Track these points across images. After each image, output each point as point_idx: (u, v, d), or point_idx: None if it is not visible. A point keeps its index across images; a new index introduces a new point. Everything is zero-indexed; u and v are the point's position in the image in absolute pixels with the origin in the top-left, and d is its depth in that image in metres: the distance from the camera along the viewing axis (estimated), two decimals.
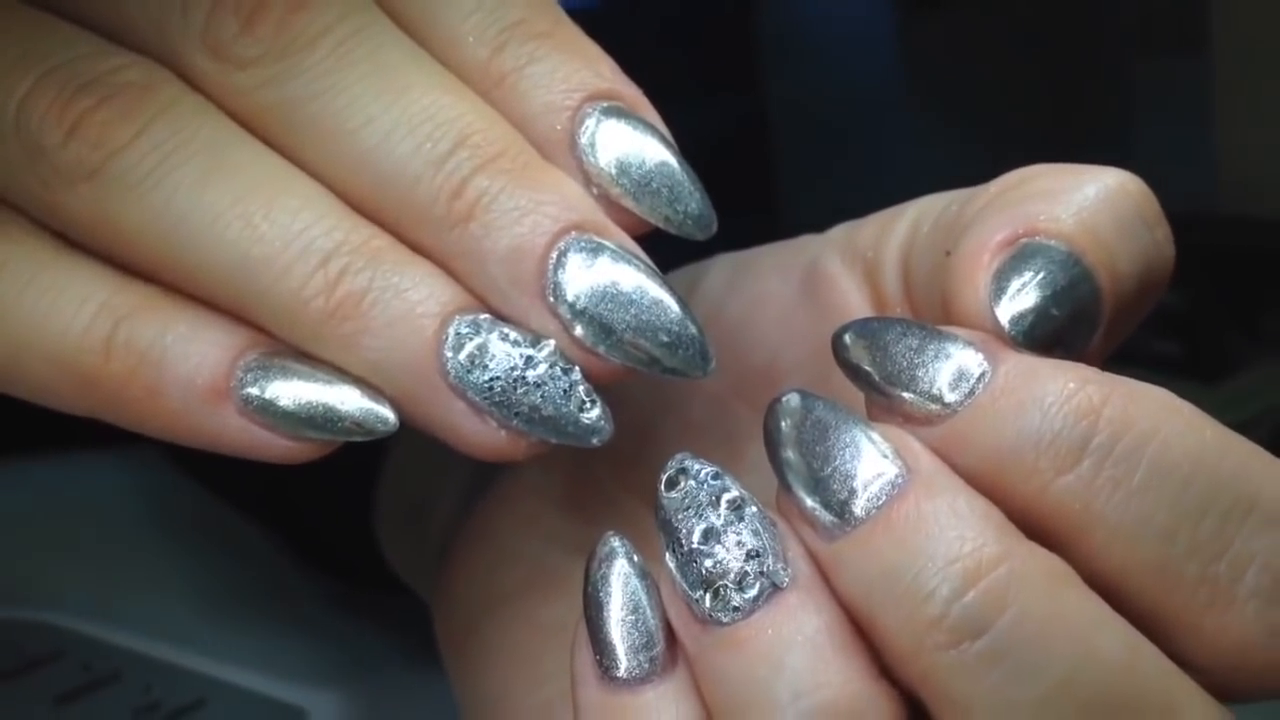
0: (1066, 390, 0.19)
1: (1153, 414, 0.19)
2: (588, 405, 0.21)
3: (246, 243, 0.20)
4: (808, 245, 0.26)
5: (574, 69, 0.21)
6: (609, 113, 0.21)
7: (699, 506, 0.20)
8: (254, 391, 0.20)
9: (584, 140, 0.21)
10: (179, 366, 0.20)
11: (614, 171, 0.21)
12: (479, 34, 0.21)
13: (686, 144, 0.22)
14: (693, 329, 0.21)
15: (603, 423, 0.21)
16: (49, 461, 0.42)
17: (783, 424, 0.20)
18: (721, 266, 0.28)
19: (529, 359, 0.20)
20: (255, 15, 0.20)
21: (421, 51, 0.21)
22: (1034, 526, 0.19)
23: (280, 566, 0.41)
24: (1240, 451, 0.19)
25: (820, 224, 0.26)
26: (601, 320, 0.20)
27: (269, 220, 0.20)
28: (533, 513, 0.28)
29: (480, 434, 0.21)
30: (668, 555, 0.20)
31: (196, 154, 0.20)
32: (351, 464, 0.37)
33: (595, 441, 0.21)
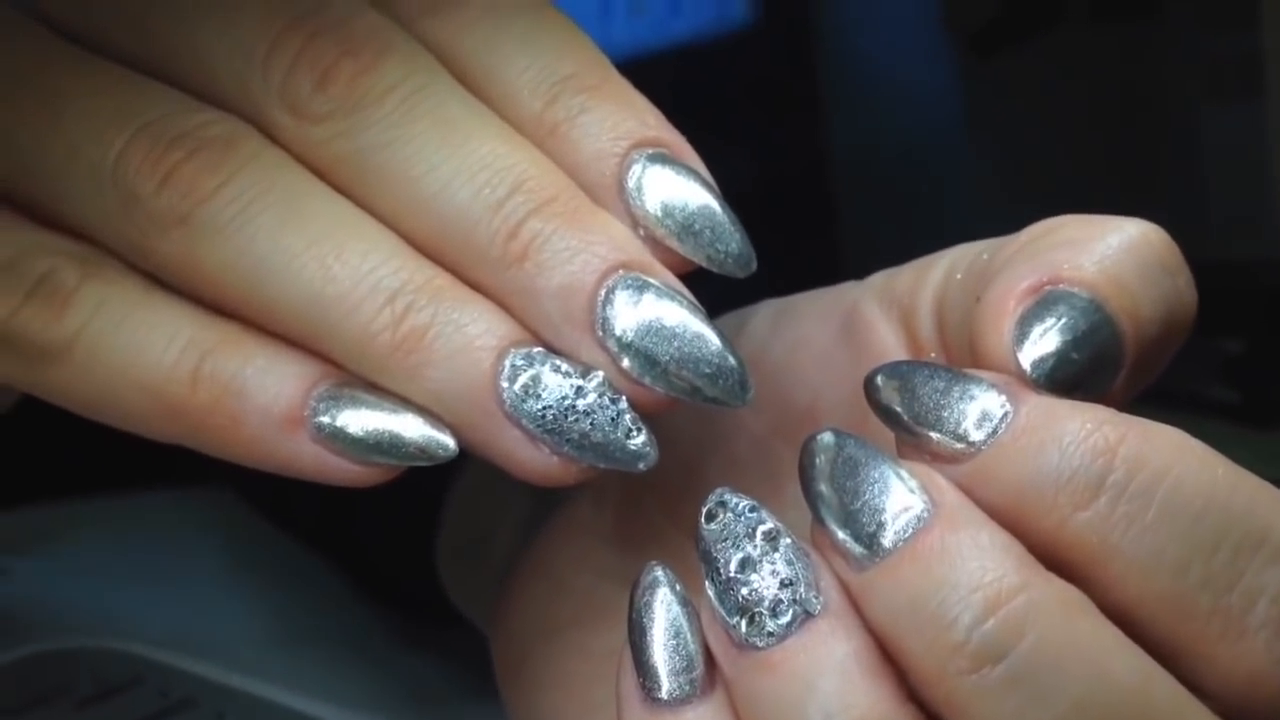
0: (1084, 430, 0.20)
1: (1166, 452, 0.20)
2: (634, 433, 0.22)
3: (320, 282, 0.21)
4: (848, 291, 0.27)
5: (621, 119, 0.23)
6: (654, 159, 0.23)
7: (736, 538, 0.21)
8: (326, 420, 0.21)
9: (631, 185, 0.22)
10: (258, 397, 0.21)
11: (659, 214, 0.22)
12: (533, 88, 0.22)
13: (749, 190, 0.23)
14: (732, 361, 0.22)
15: (648, 449, 0.22)
16: (131, 500, 0.43)
17: (816, 460, 0.21)
18: (766, 311, 0.29)
19: (579, 389, 0.22)
20: (328, 75, 0.21)
21: (480, 105, 0.22)
22: (1054, 559, 0.20)
23: (346, 601, 0.42)
24: (1251, 488, 0.20)
25: (881, 268, 0.27)
26: (647, 353, 0.22)
27: (340, 261, 0.21)
28: (585, 548, 0.29)
29: (534, 459, 0.22)
30: (707, 583, 0.21)
31: (275, 202, 0.21)
32: (415, 504, 0.39)
33: (641, 466, 0.22)
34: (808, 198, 0.59)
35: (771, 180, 0.55)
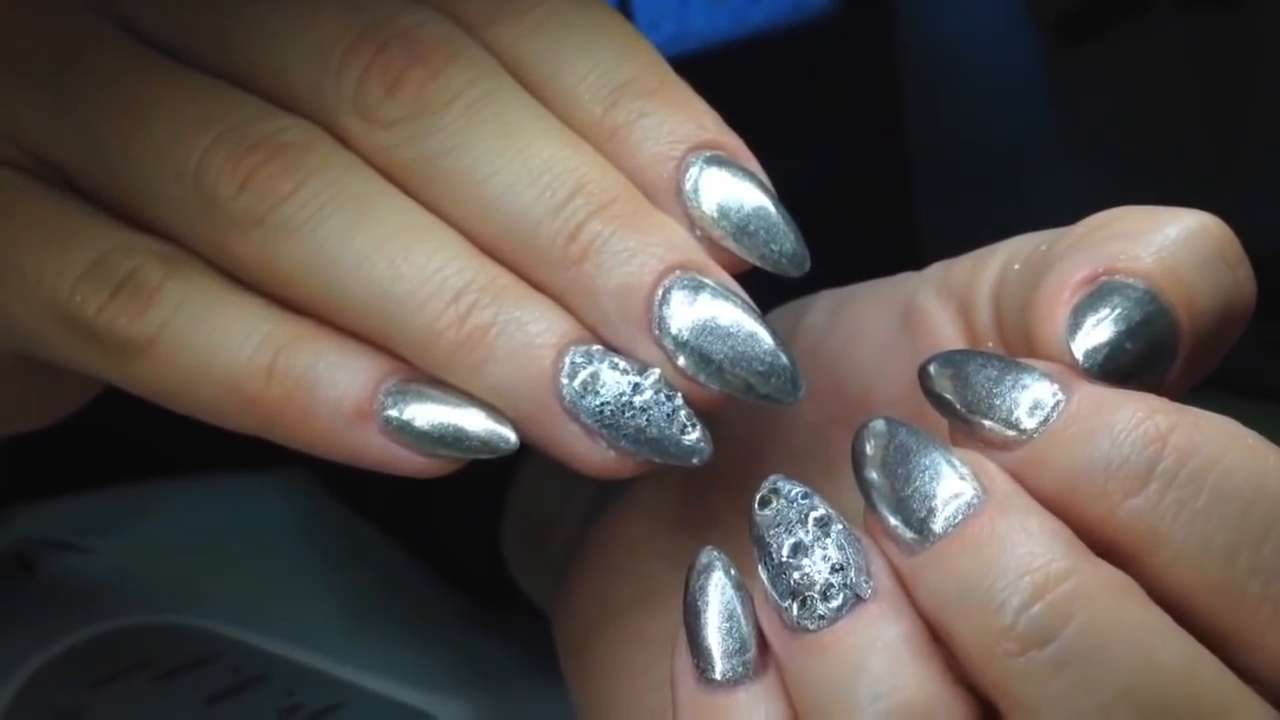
0: (1135, 418, 0.20)
1: (1217, 441, 0.20)
2: (689, 428, 0.22)
3: (389, 281, 0.22)
4: (906, 282, 0.27)
5: (679, 122, 0.23)
6: (711, 161, 0.23)
7: (789, 523, 0.21)
8: (394, 413, 0.22)
9: (688, 187, 0.23)
10: (329, 390, 0.22)
11: (715, 215, 0.23)
12: (594, 93, 0.23)
13: (830, 180, 0.23)
14: (784, 359, 0.22)
15: (702, 444, 0.22)
16: (211, 481, 0.44)
17: (868, 447, 0.22)
18: (824, 301, 0.29)
19: (636, 386, 0.22)
20: (398, 82, 0.22)
21: (543, 110, 0.23)
22: (1104, 545, 0.20)
23: (416, 583, 0.43)
24: None
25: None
26: (702, 351, 0.22)
27: (408, 262, 0.22)
28: (645, 533, 0.30)
29: (592, 453, 0.22)
30: (760, 568, 0.22)
31: (347, 204, 0.22)
32: (482, 489, 0.39)
33: (695, 461, 0.22)
34: (889, 187, 0.59)
35: (853, 170, 0.54)
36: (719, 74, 0.24)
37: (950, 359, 0.22)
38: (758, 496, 0.22)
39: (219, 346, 0.22)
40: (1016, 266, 0.24)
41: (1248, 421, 0.21)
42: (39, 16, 0.24)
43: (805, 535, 0.21)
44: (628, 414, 0.22)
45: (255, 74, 0.23)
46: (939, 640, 0.21)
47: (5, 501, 0.43)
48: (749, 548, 0.22)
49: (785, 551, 0.21)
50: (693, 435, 0.22)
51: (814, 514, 0.21)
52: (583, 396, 0.22)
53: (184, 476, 0.44)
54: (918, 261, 0.28)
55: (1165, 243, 0.21)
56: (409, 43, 0.22)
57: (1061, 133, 0.69)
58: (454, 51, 0.23)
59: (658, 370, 0.22)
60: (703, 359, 0.22)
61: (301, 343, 0.22)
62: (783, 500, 0.22)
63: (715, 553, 0.23)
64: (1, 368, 0.25)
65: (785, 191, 0.24)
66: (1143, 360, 0.21)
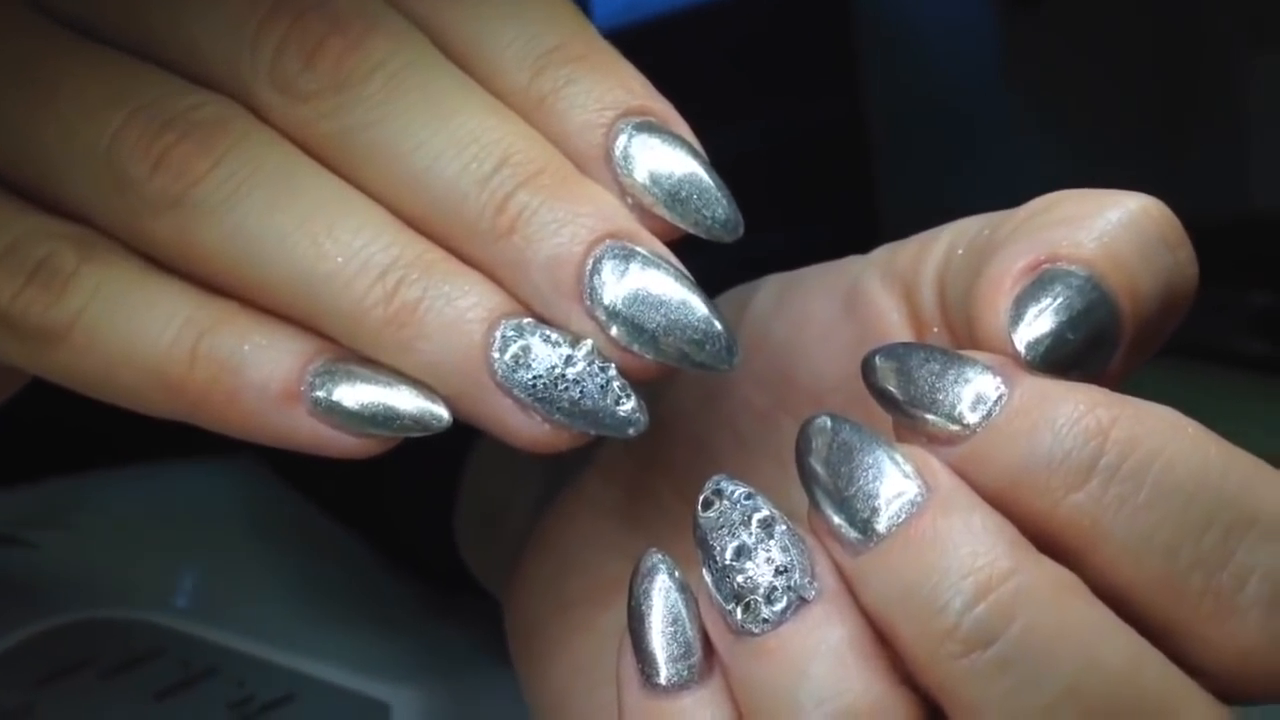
0: (1077, 412, 0.20)
1: (1158, 434, 0.20)
2: (623, 399, 0.22)
3: (312, 259, 0.21)
4: (851, 266, 0.27)
5: (608, 88, 0.23)
6: (641, 128, 0.23)
7: (732, 525, 0.21)
8: (322, 394, 0.22)
9: (618, 154, 0.23)
10: (255, 373, 0.21)
11: (646, 182, 0.23)
12: (519, 60, 0.23)
13: (785, 144, 0.23)
14: (718, 326, 0.22)
15: (638, 414, 0.22)
16: (156, 470, 0.44)
17: (812, 445, 0.21)
18: (771, 286, 0.29)
19: (569, 358, 0.22)
20: (316, 53, 0.22)
21: (467, 79, 0.22)
22: (1047, 541, 0.20)
23: (369, 570, 0.43)
24: (1243, 468, 0.20)
25: (919, 225, 0.27)
26: (635, 321, 0.22)
27: (332, 238, 0.21)
28: (593, 524, 0.29)
29: (526, 427, 0.22)
30: (704, 570, 0.21)
31: (266, 181, 0.21)
32: (435, 476, 0.39)
33: (631, 432, 0.22)
34: (845, 149, 0.58)
35: (807, 133, 0.54)
36: (673, 41, 0.24)
37: (893, 352, 0.22)
38: (700, 498, 0.22)
39: (139, 332, 0.21)
40: (960, 251, 0.24)
41: (1195, 385, 0.21)
42: None
43: (749, 537, 0.21)
44: (561, 386, 0.22)
45: (168, 49, 0.22)
46: (884, 641, 0.20)
47: None
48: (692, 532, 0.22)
49: (729, 554, 0.21)
50: (627, 406, 0.22)
51: (757, 515, 0.21)
52: (515, 370, 0.22)
53: (127, 465, 0.44)
54: (876, 219, 0.27)
55: (1107, 228, 0.21)
56: (326, 12, 0.22)
57: (1013, 98, 0.69)
58: (373, 20, 0.22)
59: (590, 341, 0.22)
60: (636, 328, 0.22)
61: (225, 325, 0.22)
62: (726, 501, 0.21)
63: (659, 555, 0.22)
64: None
65: (740, 157, 0.23)
66: (1085, 350, 0.21)
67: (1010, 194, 0.25)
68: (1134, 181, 0.23)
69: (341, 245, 0.21)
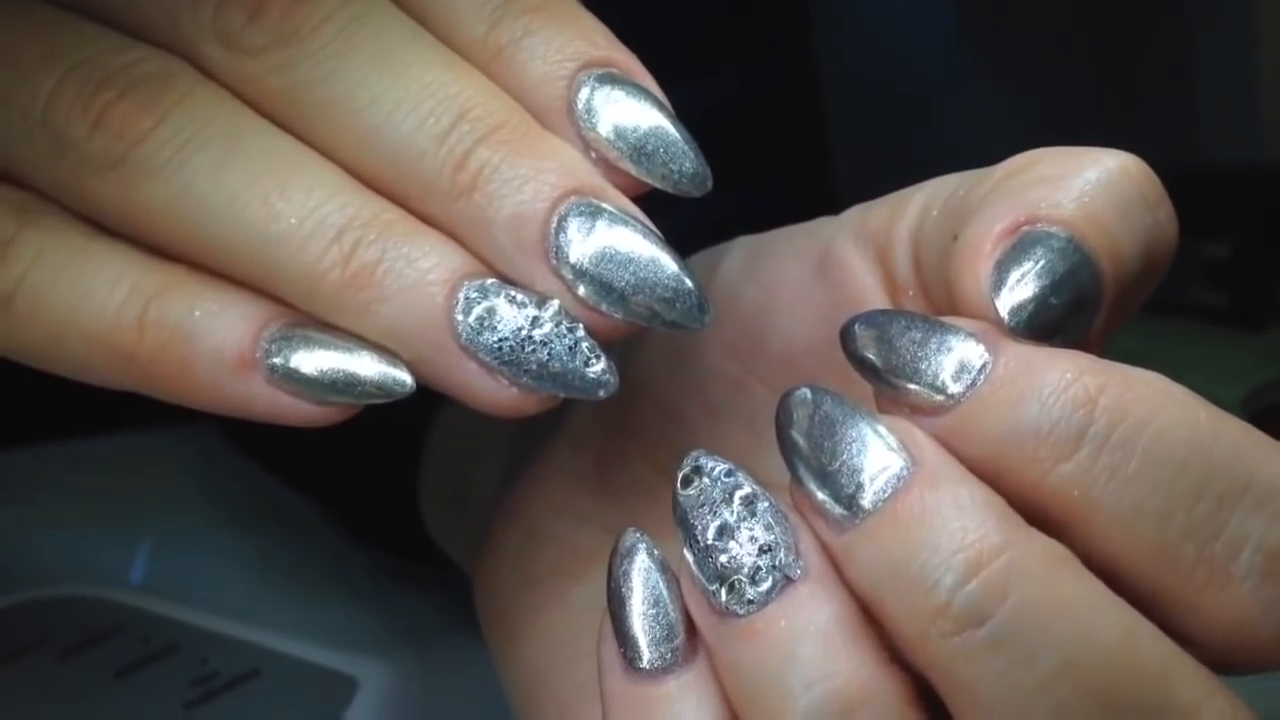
0: (1064, 380, 0.19)
1: (1147, 401, 0.19)
2: (592, 360, 0.21)
3: (264, 220, 0.20)
4: (822, 228, 0.26)
5: (568, 39, 0.22)
6: (604, 80, 0.22)
7: (713, 504, 0.21)
8: (279, 361, 0.21)
9: (581, 107, 0.22)
10: (207, 340, 0.21)
11: (611, 136, 0.22)
12: (475, 11, 0.22)
13: (739, 110, 0.22)
14: (689, 283, 0.21)
15: (608, 376, 0.22)
16: (109, 441, 0.43)
17: (793, 418, 0.21)
18: (740, 249, 0.28)
19: (535, 319, 0.21)
20: (261, 6, 0.21)
21: (422, 31, 0.22)
22: (1036, 512, 0.19)
23: (333, 541, 0.42)
24: (1234, 434, 0.19)
25: (875, 181, 0.26)
26: (602, 279, 0.21)
27: (284, 199, 0.20)
28: (564, 494, 0.29)
29: (492, 391, 0.21)
30: (685, 550, 0.21)
31: (213, 139, 0.20)
32: (399, 446, 0.38)
33: (601, 394, 0.21)
34: (801, 116, 0.58)
35: (763, 99, 0.54)
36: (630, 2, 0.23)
37: (873, 320, 0.21)
38: (679, 475, 0.21)
39: (84, 299, 0.21)
40: (935, 212, 0.23)
41: (1152, 336, 0.20)
42: None
43: (731, 516, 0.20)
44: (528, 349, 0.21)
45: (107, 6, 0.21)
46: (872, 619, 0.20)
47: None
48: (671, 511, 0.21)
49: (711, 534, 0.20)
50: (597, 367, 0.21)
51: (739, 493, 0.21)
52: (479, 333, 0.21)
53: (80, 439, 0.43)
54: (832, 186, 0.27)
55: (1086, 187, 0.21)
56: None
57: (970, 53, 0.69)
58: None
59: (557, 301, 0.21)
60: (604, 287, 0.21)
61: (174, 290, 0.21)
62: (706, 479, 0.21)
63: (638, 534, 0.22)
64: None
65: (706, 110, 0.23)
66: (1068, 314, 0.20)
67: (967, 147, 0.25)
68: (1087, 133, 0.22)
69: (295, 205, 0.21)
